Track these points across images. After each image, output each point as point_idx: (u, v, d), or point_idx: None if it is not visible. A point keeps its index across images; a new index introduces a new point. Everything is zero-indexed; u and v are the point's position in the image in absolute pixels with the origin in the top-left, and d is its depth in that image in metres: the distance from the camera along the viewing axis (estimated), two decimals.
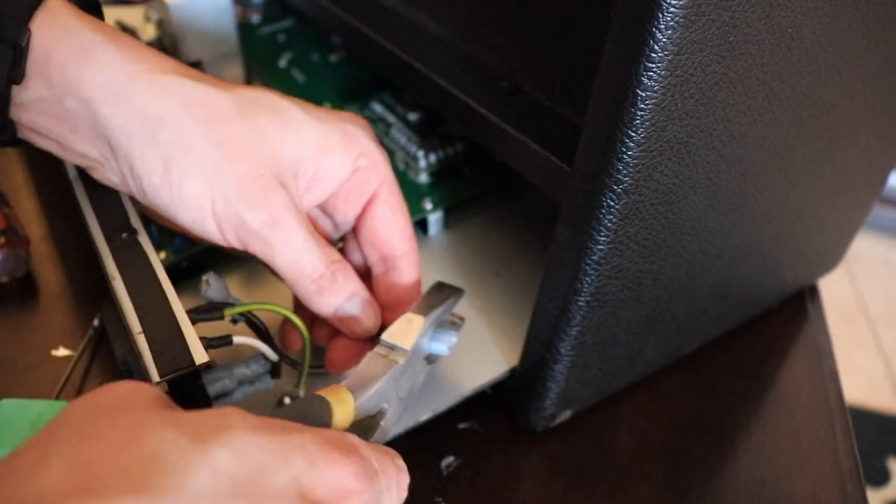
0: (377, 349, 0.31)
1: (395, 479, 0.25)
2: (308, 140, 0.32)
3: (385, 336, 0.31)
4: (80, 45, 0.29)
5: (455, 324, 0.35)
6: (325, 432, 0.23)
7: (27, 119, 0.30)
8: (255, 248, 0.31)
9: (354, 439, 0.24)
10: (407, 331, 0.31)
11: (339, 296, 0.33)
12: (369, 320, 0.34)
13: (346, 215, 0.35)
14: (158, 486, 0.18)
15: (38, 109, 0.30)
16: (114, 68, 0.29)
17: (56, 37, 0.29)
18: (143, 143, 0.30)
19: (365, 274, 0.36)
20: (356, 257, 0.37)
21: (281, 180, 0.31)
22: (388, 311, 0.35)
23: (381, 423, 0.29)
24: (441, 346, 0.33)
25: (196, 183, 0.30)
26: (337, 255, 0.33)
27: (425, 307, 0.33)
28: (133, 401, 0.21)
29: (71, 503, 0.17)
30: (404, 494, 0.26)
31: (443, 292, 0.35)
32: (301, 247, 0.31)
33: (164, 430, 0.20)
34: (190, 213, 0.31)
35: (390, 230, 0.35)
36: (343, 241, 0.38)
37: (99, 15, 0.33)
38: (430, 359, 0.34)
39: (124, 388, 0.22)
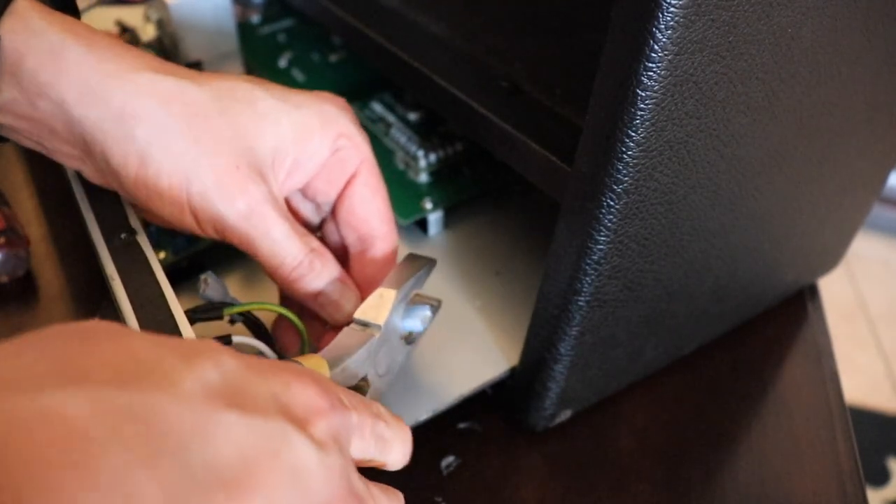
0: (352, 326, 0.31)
1: (368, 420, 0.25)
2: (285, 130, 0.32)
3: (358, 314, 0.31)
4: (50, 48, 0.29)
5: (433, 306, 0.35)
6: (296, 365, 0.24)
7: (6, 122, 0.30)
8: (234, 240, 0.32)
9: (323, 377, 0.25)
10: (379, 305, 0.31)
11: (317, 282, 0.33)
12: (349, 305, 0.34)
13: (327, 195, 0.35)
14: (147, 384, 0.18)
15: (13, 113, 0.30)
16: (87, 69, 0.29)
17: (25, 40, 0.29)
18: (120, 140, 0.30)
19: (343, 255, 0.37)
20: (335, 238, 0.37)
21: (259, 171, 0.32)
22: (364, 291, 0.35)
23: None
24: (415, 322, 0.33)
25: (173, 178, 0.30)
26: (316, 243, 0.33)
27: (396, 280, 0.33)
28: (116, 327, 0.21)
29: (51, 390, 0.16)
30: (381, 443, 0.26)
31: (414, 264, 0.34)
32: (279, 237, 0.32)
33: (152, 346, 0.20)
34: (168, 207, 0.31)
35: (368, 210, 0.35)
36: (323, 224, 0.38)
37: (74, 12, 0.33)
38: (409, 339, 0.34)
39: (103, 322, 0.21)
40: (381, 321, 0.31)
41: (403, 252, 0.37)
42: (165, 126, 0.30)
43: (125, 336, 0.20)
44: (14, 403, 0.16)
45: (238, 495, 0.18)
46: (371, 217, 0.35)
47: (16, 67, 0.29)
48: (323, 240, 0.38)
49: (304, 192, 0.36)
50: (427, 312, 0.33)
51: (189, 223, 0.31)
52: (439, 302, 0.36)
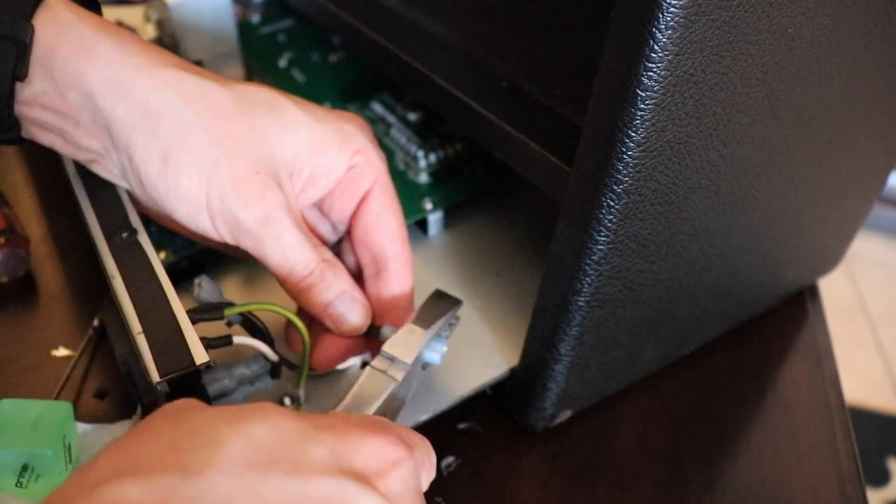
0: (376, 362, 0.31)
1: (426, 455, 0.25)
2: (304, 139, 0.32)
3: (386, 347, 0.31)
4: (81, 41, 0.29)
5: (451, 324, 0.35)
6: (353, 416, 0.24)
7: (31, 115, 0.30)
8: (248, 245, 0.32)
9: (384, 420, 0.25)
10: (408, 343, 0.31)
11: (328, 293, 0.33)
12: (358, 319, 0.34)
13: (341, 213, 0.35)
14: (194, 459, 0.19)
15: (41, 105, 0.30)
16: (115, 62, 0.30)
17: (58, 33, 0.29)
18: (144, 136, 0.30)
19: (360, 276, 0.36)
20: (350, 259, 0.37)
21: (276, 179, 0.32)
22: (379, 314, 0.35)
23: None
24: (434, 355, 0.33)
25: (193, 177, 0.30)
26: (328, 254, 0.33)
27: (427, 319, 0.33)
28: (181, 404, 0.23)
29: (106, 485, 0.19)
30: (434, 472, 0.26)
31: (443, 303, 0.34)
32: (292, 245, 0.32)
33: (202, 414, 0.21)
34: (185, 207, 0.31)
35: (381, 229, 0.35)
36: (340, 244, 0.38)
37: (97, 11, 0.33)
38: (425, 366, 0.34)
39: (189, 402, 0.23)
40: (409, 359, 0.30)
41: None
42: (189, 124, 0.30)
43: (180, 414, 0.22)
44: (85, 499, 0.19)
45: None
46: (384, 236, 0.35)
47: (48, 59, 0.29)
48: (340, 260, 0.38)
49: (319, 208, 0.36)
50: (444, 348, 0.34)
51: (204, 224, 0.31)
52: (458, 319, 0.36)
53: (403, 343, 0.31)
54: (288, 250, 0.32)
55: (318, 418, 0.23)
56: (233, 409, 0.22)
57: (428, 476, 0.25)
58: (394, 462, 0.22)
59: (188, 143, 0.30)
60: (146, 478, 0.19)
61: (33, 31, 0.29)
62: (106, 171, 0.33)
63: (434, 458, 0.26)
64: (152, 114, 0.30)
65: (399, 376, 0.30)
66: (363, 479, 0.21)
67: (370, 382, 0.30)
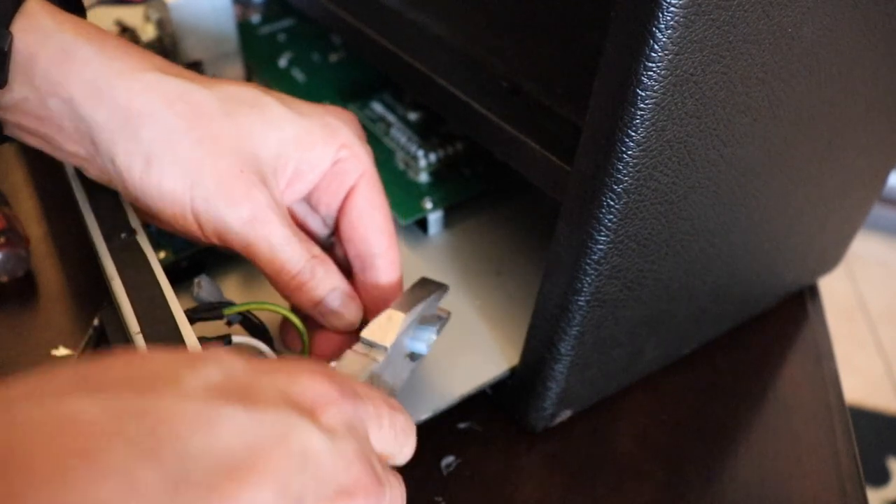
0: (356, 347, 0.31)
1: (385, 411, 0.25)
2: (288, 136, 0.32)
3: (364, 333, 0.31)
4: (62, 47, 0.29)
5: (441, 318, 0.35)
6: (308, 362, 0.24)
7: (14, 120, 0.30)
8: (236, 245, 0.32)
9: (330, 368, 0.25)
10: (386, 327, 0.31)
11: (318, 290, 0.33)
12: (350, 314, 0.34)
13: (329, 207, 0.35)
14: (154, 389, 0.20)
15: (22, 111, 0.30)
16: (95, 67, 0.29)
17: (37, 40, 0.29)
18: (126, 140, 0.30)
19: (349, 271, 0.36)
20: (341, 255, 0.37)
21: (261, 176, 0.31)
22: (368, 309, 0.35)
23: None
24: (420, 344, 0.33)
25: (177, 180, 0.30)
26: (317, 251, 0.33)
27: (406, 303, 0.32)
28: (135, 351, 0.24)
29: (65, 397, 0.19)
30: (401, 434, 0.26)
31: (426, 288, 0.34)
32: (280, 243, 0.32)
33: (161, 357, 0.22)
34: (171, 209, 0.31)
35: (367, 225, 0.35)
36: (332, 237, 0.38)
37: (80, 13, 0.33)
38: (413, 356, 0.34)
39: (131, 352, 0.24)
40: (387, 343, 0.30)
41: (405, 255, 0.36)
42: (170, 127, 0.30)
43: (146, 353, 0.22)
44: (40, 409, 0.18)
45: (247, 480, 0.19)
46: (369, 231, 0.35)
47: (28, 67, 0.29)
48: (330, 255, 0.38)
49: (308, 202, 0.36)
50: (433, 336, 0.33)
51: (191, 227, 0.31)
52: (448, 314, 0.36)
53: (381, 328, 0.31)
54: (276, 248, 0.32)
55: (266, 362, 0.23)
56: (188, 353, 0.23)
57: (378, 432, 0.25)
58: (332, 400, 0.23)
59: (170, 145, 0.30)
60: (104, 396, 0.19)
61: (12, 39, 0.28)
62: (96, 175, 0.33)
63: (401, 418, 0.26)
64: (133, 118, 0.30)
65: (379, 358, 0.30)
66: (307, 411, 0.22)
67: (349, 364, 0.30)
